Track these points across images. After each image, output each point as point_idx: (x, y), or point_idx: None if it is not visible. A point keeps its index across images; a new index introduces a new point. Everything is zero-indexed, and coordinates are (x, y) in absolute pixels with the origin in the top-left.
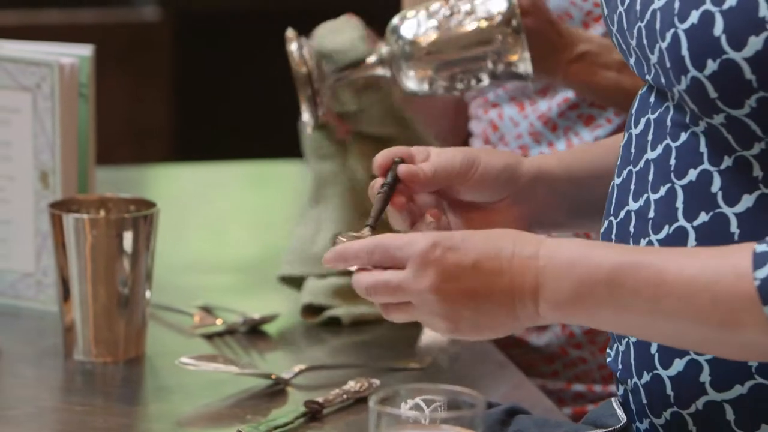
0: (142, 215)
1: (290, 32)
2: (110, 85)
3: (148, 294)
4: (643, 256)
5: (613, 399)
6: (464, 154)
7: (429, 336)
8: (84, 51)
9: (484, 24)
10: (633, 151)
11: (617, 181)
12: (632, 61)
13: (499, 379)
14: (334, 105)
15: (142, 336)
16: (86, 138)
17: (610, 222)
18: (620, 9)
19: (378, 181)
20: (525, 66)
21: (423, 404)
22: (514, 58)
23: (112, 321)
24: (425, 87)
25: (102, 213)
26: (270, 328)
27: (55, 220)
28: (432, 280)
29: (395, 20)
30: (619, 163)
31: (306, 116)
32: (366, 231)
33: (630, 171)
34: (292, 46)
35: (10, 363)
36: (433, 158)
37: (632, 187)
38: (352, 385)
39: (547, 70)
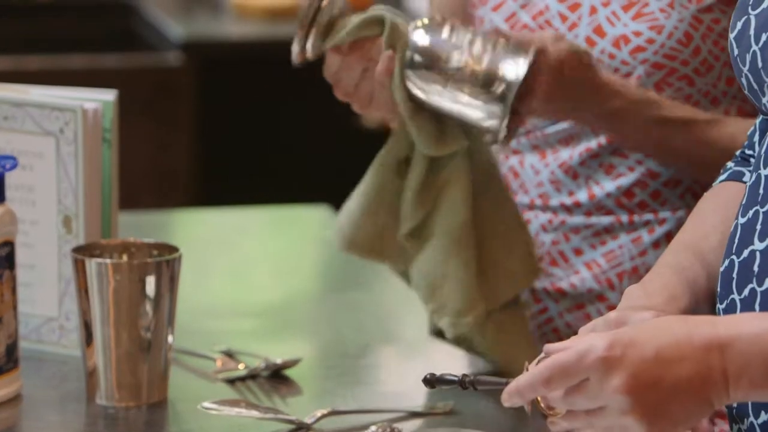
0: (164, 260)
1: None
2: (133, 130)
3: (170, 338)
4: None
5: None
6: None
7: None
8: (107, 96)
9: (484, 73)
10: (761, 191)
11: (741, 220)
12: (765, 99)
13: (521, 425)
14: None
15: (164, 380)
16: (109, 183)
17: (732, 261)
18: (754, 47)
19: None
20: (495, 125)
21: None
22: (487, 109)
23: (135, 365)
24: (413, 91)
25: (125, 258)
26: (292, 373)
27: (78, 265)
28: (621, 381)
29: (415, 23)
30: (744, 202)
31: (295, 46)
32: None
33: (757, 211)
34: None
35: (34, 407)
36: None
37: (758, 227)
38: (374, 430)
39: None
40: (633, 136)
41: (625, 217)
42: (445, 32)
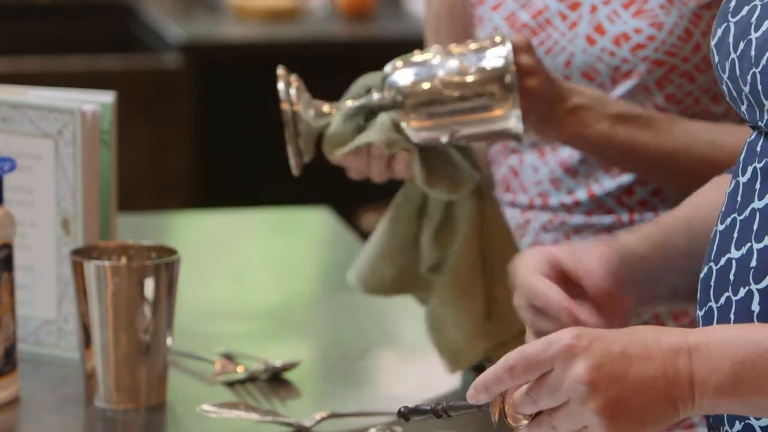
0: (163, 262)
1: (281, 69)
2: (132, 132)
3: (169, 341)
4: None
5: None
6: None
7: (448, 383)
8: (106, 98)
9: (475, 79)
10: (739, 199)
11: (720, 227)
12: (744, 107)
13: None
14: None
15: (163, 383)
16: (108, 185)
17: (710, 268)
18: (733, 56)
19: None
20: (515, 124)
21: None
22: (499, 113)
23: (134, 368)
24: (422, 136)
25: (123, 260)
26: (291, 376)
27: (76, 267)
28: (583, 369)
29: (387, 68)
30: (723, 210)
31: (292, 159)
32: None
33: (734, 219)
34: (280, 85)
35: (32, 410)
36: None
37: (735, 235)
38: None
39: (542, 123)
40: (596, 137)
41: (626, 216)
42: (426, 66)
